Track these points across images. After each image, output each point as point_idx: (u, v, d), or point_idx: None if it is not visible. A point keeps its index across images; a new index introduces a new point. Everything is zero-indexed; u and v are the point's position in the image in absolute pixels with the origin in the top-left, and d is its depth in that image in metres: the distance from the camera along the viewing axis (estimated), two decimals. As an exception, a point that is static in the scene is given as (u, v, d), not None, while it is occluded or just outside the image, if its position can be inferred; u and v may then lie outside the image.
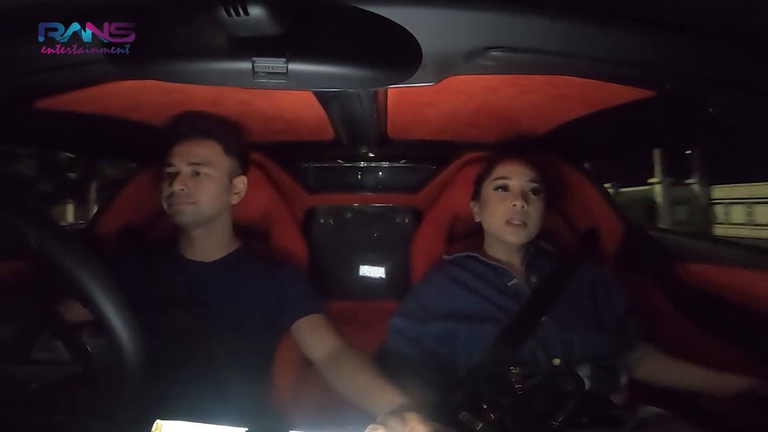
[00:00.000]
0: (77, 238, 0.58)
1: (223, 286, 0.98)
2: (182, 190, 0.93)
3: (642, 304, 1.11)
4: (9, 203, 0.55)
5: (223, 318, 0.94)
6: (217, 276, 0.99)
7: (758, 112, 0.71)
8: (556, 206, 1.31)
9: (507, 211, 0.99)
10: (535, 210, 0.99)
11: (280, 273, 1.02)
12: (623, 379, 0.94)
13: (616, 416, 0.85)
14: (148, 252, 1.03)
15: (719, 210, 10.94)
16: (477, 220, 1.08)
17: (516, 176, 1.01)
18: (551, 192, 1.08)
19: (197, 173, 0.96)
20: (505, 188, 1.01)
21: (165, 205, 0.96)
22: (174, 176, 0.95)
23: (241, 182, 1.04)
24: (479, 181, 1.08)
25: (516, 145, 1.19)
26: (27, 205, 0.55)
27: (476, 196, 1.09)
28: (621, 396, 0.92)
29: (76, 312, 0.64)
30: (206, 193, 0.95)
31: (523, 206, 0.98)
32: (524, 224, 0.98)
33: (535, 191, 1.01)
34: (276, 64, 0.58)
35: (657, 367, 0.96)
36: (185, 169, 0.95)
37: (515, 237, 0.99)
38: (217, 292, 0.97)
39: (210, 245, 1.01)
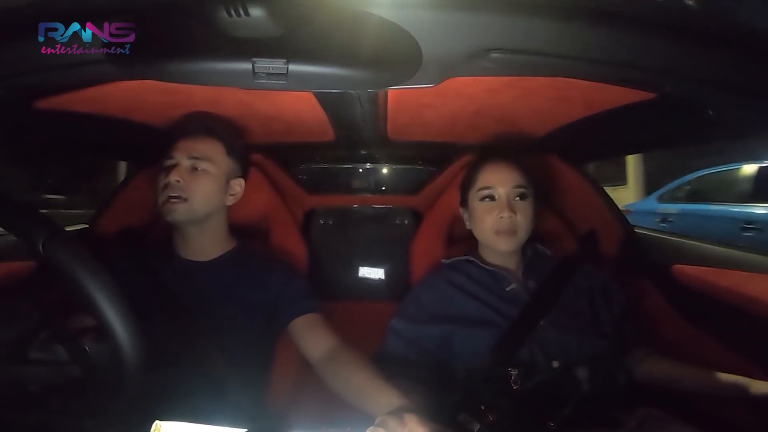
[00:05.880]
0: (82, 242, 0.58)
1: (220, 285, 0.97)
2: (177, 181, 0.93)
3: (640, 306, 1.11)
4: (15, 207, 0.55)
5: (220, 317, 0.94)
6: (214, 275, 0.99)
7: (757, 115, 0.71)
8: (556, 208, 1.31)
9: (495, 222, 0.99)
10: (523, 216, 0.98)
11: (277, 272, 1.02)
12: (621, 381, 0.94)
13: (614, 418, 0.85)
14: (145, 252, 1.03)
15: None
16: (468, 227, 1.07)
17: (501, 184, 1.00)
18: (541, 191, 1.07)
19: (195, 168, 0.96)
20: (491, 198, 1.00)
21: (159, 199, 0.95)
22: (172, 168, 0.95)
23: (238, 184, 1.04)
24: (465, 188, 1.07)
25: (510, 147, 1.19)
26: (33, 209, 0.55)
27: (464, 203, 1.08)
28: (619, 397, 0.92)
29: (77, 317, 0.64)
30: (201, 189, 0.95)
31: (510, 216, 0.97)
32: (514, 232, 0.98)
33: (522, 196, 1.00)
34: (276, 65, 0.58)
35: (655, 369, 0.96)
36: (184, 162, 0.95)
37: (506, 245, 0.99)
38: (214, 292, 0.96)
39: (205, 245, 1.01)
